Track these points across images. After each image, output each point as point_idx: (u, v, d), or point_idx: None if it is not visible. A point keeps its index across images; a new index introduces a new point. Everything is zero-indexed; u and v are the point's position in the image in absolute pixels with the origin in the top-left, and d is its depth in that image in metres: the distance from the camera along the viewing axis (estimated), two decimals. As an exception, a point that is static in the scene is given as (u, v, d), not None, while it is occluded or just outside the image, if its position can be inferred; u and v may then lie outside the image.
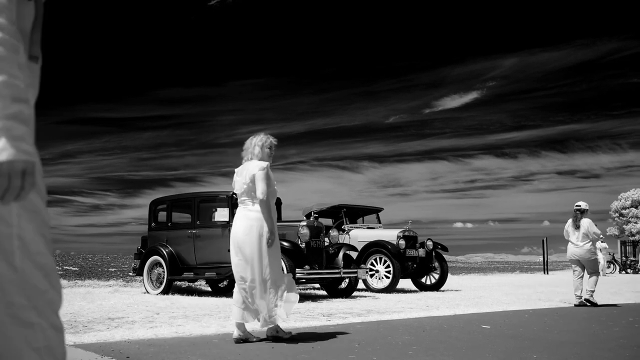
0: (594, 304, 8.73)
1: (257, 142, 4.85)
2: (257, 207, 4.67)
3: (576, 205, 9.09)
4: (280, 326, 4.85)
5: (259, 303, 4.62)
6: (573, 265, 9.05)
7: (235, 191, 4.90)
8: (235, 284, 4.78)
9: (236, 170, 4.92)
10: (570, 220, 9.06)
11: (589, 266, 8.92)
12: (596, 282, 8.91)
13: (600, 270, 20.64)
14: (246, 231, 4.65)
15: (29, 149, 0.90)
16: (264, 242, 4.61)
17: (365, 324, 6.02)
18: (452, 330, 5.55)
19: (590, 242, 8.84)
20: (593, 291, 8.81)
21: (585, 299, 8.77)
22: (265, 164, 4.72)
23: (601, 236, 9.14)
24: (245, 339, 4.67)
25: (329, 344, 4.62)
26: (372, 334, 5.22)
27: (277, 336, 4.75)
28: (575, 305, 8.75)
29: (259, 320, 4.72)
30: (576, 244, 8.91)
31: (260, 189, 4.60)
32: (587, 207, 9.05)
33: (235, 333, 4.67)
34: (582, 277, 8.94)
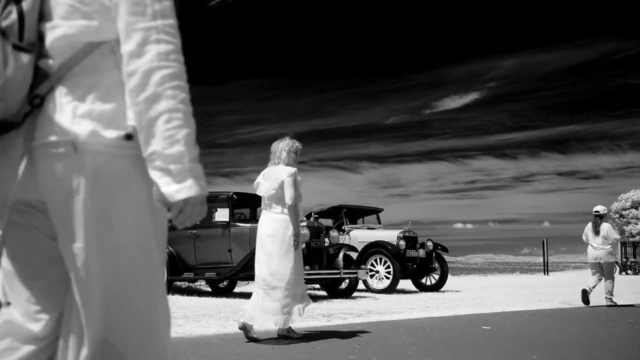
0: (614, 305, 8.94)
1: (284, 147, 4.94)
2: (285, 211, 4.81)
3: (595, 211, 9.30)
4: (292, 327, 4.95)
5: (274, 304, 4.68)
6: (593, 270, 9.23)
7: (259, 193, 5.00)
8: (255, 285, 4.86)
9: (262, 173, 5.02)
10: (589, 224, 9.26)
11: (607, 268, 9.14)
12: (613, 286, 9.09)
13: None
14: (274, 233, 4.78)
15: (205, 184, 1.17)
16: (291, 244, 4.76)
17: (365, 324, 6.02)
18: (452, 331, 5.55)
19: (610, 245, 9.09)
20: (612, 296, 9.02)
21: (607, 305, 8.91)
22: (293, 169, 4.84)
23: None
24: (248, 330, 4.70)
25: (328, 345, 4.62)
26: (372, 334, 5.22)
27: (287, 336, 4.82)
28: (582, 290, 8.90)
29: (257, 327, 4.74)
30: (596, 247, 9.14)
31: (289, 195, 4.74)
32: (606, 211, 9.36)
33: (241, 321, 4.72)
34: (600, 279, 9.12)
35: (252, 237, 9.62)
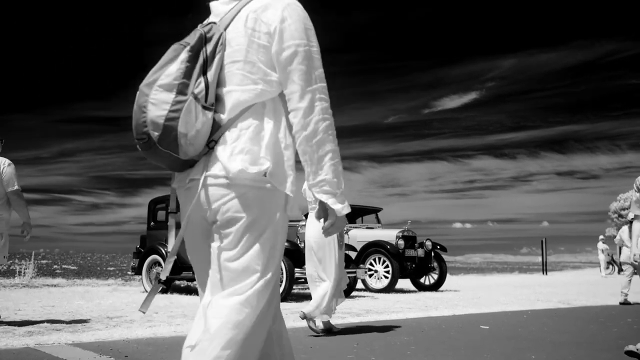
0: (627, 303, 9.39)
1: None
2: None
3: (635, 215, 9.72)
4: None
5: (316, 298, 5.16)
6: (624, 267, 10.09)
7: (307, 198, 5.38)
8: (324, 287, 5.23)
9: None
10: (625, 227, 10.15)
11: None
12: None
13: (600, 271, 20.84)
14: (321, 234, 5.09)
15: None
16: (336, 244, 5.21)
17: (364, 324, 6.03)
18: (450, 331, 5.56)
19: None
20: None
21: (623, 300, 9.43)
22: None
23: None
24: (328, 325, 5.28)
25: (327, 344, 4.62)
26: (370, 334, 5.22)
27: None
28: (620, 303, 9.36)
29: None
30: (631, 248, 9.58)
31: None
32: None
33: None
34: (631, 279, 9.70)
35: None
